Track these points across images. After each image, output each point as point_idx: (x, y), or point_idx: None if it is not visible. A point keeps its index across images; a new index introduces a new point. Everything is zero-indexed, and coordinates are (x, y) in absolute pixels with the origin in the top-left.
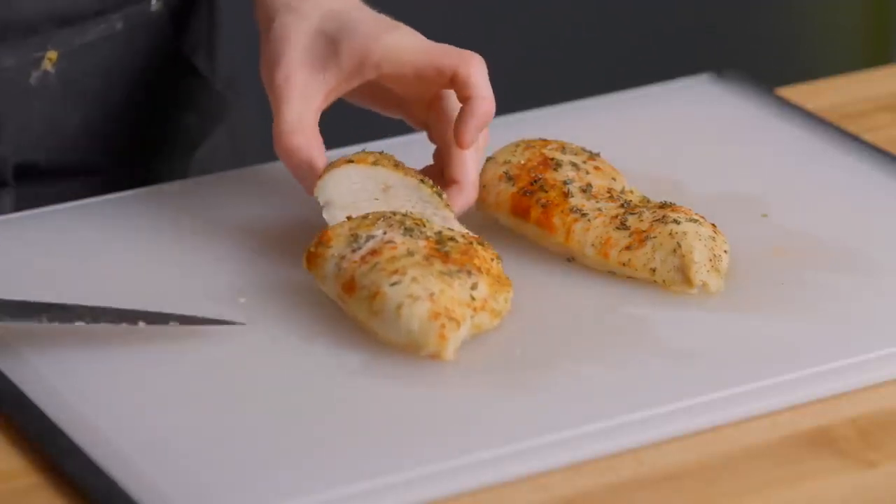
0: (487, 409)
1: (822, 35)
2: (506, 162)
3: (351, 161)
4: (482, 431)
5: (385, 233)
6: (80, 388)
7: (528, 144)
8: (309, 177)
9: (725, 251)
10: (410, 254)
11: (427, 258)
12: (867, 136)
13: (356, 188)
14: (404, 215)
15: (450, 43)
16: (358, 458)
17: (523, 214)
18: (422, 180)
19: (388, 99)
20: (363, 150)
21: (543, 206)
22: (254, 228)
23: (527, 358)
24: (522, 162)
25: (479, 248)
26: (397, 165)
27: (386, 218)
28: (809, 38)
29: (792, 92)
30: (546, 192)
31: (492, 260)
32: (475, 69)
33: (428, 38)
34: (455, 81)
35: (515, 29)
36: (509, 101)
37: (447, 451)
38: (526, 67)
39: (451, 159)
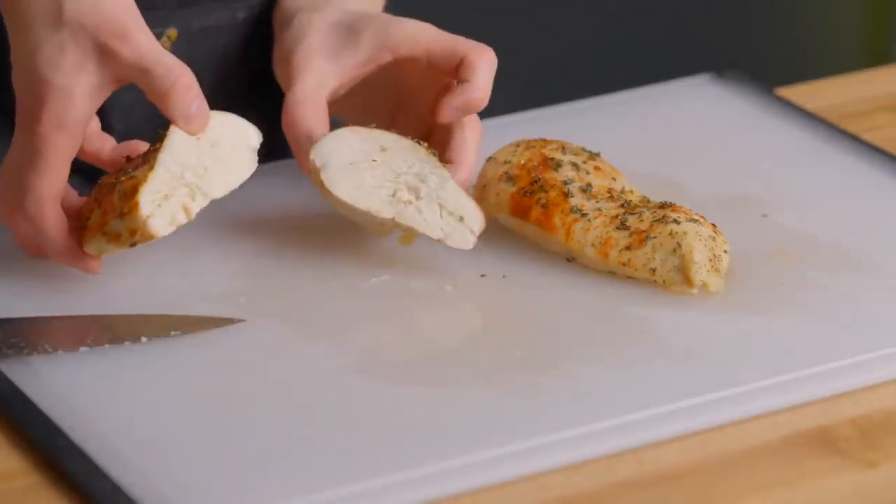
0: (487, 409)
1: (822, 35)
2: (506, 162)
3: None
4: (482, 431)
5: None
6: (79, 388)
7: (529, 144)
8: (305, 149)
9: (725, 251)
10: None
11: None
12: (867, 136)
13: (354, 150)
14: None
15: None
16: (358, 458)
17: (523, 214)
18: (417, 142)
19: (386, 103)
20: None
21: (543, 206)
22: (254, 228)
23: (527, 358)
24: (522, 162)
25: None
26: (392, 126)
27: None
28: (809, 38)
29: (792, 92)
30: (546, 192)
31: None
32: (484, 60)
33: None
34: (461, 66)
35: (516, 29)
36: (509, 101)
37: (447, 451)
38: (526, 67)
39: (450, 140)
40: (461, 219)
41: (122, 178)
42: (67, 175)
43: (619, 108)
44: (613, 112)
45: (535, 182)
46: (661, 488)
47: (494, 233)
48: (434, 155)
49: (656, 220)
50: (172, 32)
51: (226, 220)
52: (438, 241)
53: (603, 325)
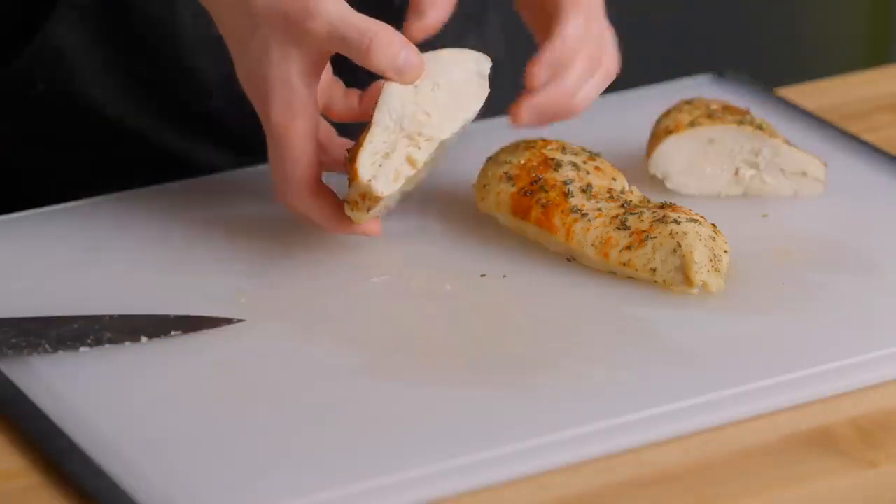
0: (487, 409)
1: (822, 35)
2: (506, 162)
3: (669, 132)
4: (482, 431)
5: None
6: (79, 388)
7: (529, 144)
8: None
9: (725, 251)
10: None
11: None
12: (867, 136)
13: (685, 151)
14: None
15: (447, 45)
16: (358, 458)
17: (523, 214)
18: (739, 122)
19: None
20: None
21: (544, 206)
22: (254, 228)
23: (527, 358)
24: (522, 162)
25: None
26: (710, 116)
27: None
28: (809, 38)
29: (792, 92)
30: (546, 192)
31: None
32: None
33: (428, 40)
34: None
35: (516, 29)
36: (510, 101)
37: (447, 451)
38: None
39: None
40: (804, 173)
41: (354, 145)
42: (316, 152)
43: (619, 108)
44: (613, 112)
45: (536, 182)
46: (661, 488)
47: (494, 233)
48: (760, 128)
49: (656, 220)
50: None
51: (226, 220)
52: (791, 196)
53: (603, 325)
